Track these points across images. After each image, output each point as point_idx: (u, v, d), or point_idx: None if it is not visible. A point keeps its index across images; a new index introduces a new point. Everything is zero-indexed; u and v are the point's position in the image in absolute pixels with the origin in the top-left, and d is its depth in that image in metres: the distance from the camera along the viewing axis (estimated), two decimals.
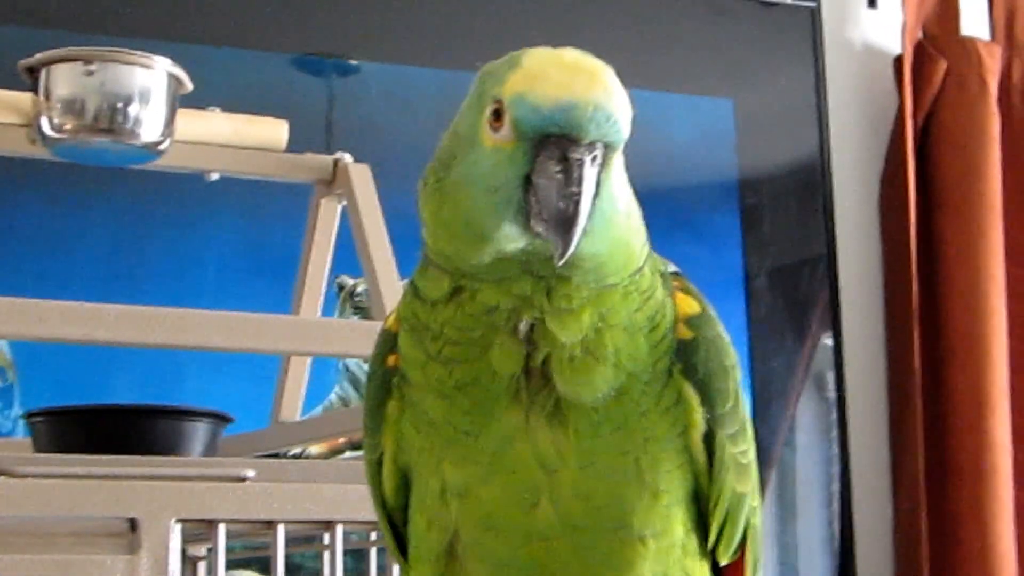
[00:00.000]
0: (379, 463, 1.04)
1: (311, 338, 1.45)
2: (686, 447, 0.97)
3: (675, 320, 0.97)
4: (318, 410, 2.60)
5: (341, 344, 1.47)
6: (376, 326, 1.57)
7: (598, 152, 0.87)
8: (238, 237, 2.63)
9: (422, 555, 1.00)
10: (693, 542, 0.99)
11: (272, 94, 2.70)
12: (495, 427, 0.94)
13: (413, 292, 0.97)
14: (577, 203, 0.86)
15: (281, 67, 2.75)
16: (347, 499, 1.38)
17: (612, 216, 0.91)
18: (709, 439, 0.98)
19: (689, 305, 0.98)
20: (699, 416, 0.97)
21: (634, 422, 0.95)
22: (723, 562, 1.02)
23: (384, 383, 1.01)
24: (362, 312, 2.62)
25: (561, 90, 0.87)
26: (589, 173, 0.87)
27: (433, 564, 0.99)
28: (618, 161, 0.92)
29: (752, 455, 1.02)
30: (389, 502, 1.05)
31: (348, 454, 2.51)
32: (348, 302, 2.64)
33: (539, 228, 0.87)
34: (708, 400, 0.97)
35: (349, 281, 2.61)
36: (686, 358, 0.96)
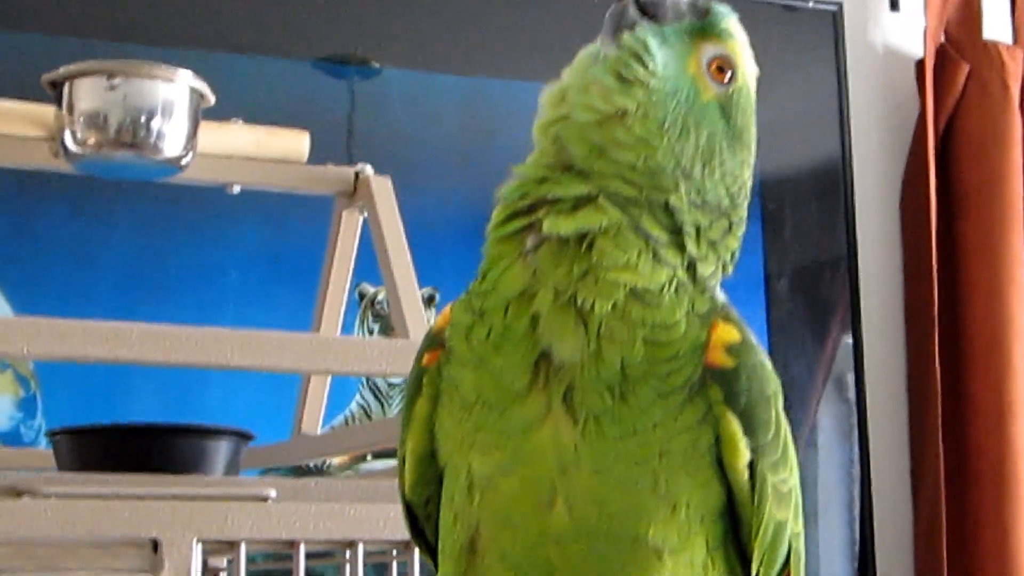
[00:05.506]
0: (404, 457, 1.05)
1: (331, 357, 1.45)
2: (712, 466, 0.96)
3: (704, 346, 0.96)
4: (339, 419, 2.60)
5: (361, 363, 1.48)
6: (395, 344, 1.58)
7: None
8: (261, 243, 2.63)
9: (447, 551, 1.00)
10: (720, 563, 0.98)
11: (293, 98, 2.71)
12: (520, 407, 0.95)
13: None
14: None
15: (302, 72, 2.76)
16: (369, 518, 1.38)
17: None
18: (751, 468, 0.97)
19: (729, 333, 0.97)
20: (743, 445, 0.96)
21: (646, 432, 0.94)
22: None
23: (416, 380, 1.03)
24: (382, 320, 2.62)
25: None
26: None
27: (455, 561, 0.99)
28: None
29: (793, 482, 1.01)
30: (408, 494, 1.06)
31: (368, 464, 2.52)
32: (369, 310, 2.65)
33: None
34: (750, 429, 0.96)
35: (370, 289, 2.62)
36: (727, 387, 0.96)
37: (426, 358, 1.02)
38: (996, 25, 3.22)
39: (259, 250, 2.63)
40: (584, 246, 0.94)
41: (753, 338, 0.99)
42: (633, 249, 0.95)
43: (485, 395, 0.96)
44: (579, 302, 0.93)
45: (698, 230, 0.98)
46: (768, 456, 0.97)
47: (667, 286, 0.96)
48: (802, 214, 3.14)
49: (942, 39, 3.17)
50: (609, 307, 0.94)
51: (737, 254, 1.01)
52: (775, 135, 3.10)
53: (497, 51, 2.89)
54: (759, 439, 0.97)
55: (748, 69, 1.02)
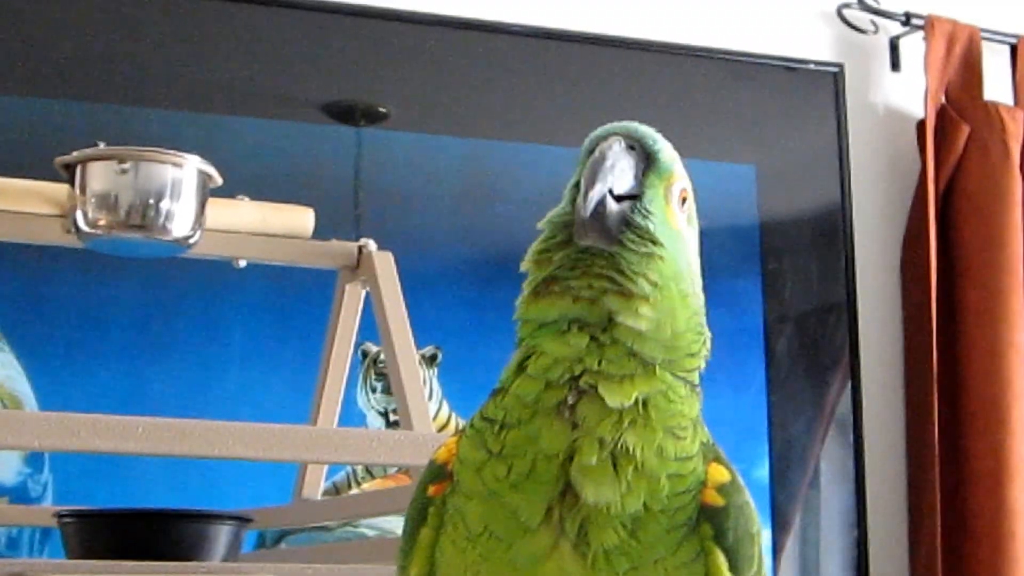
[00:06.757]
0: None
1: (331, 449, 1.48)
2: None
3: (703, 484, 1.00)
4: (340, 476, 2.64)
5: (360, 454, 1.51)
6: (394, 435, 1.62)
7: None
8: (266, 302, 2.67)
9: None
10: None
11: (297, 155, 2.75)
12: (528, 541, 0.98)
13: (479, 415, 1.02)
14: None
15: (307, 131, 2.80)
16: None
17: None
18: None
19: (720, 473, 1.02)
20: None
21: (647, 567, 0.98)
22: None
23: (421, 510, 1.05)
24: (384, 379, 2.66)
25: None
26: None
27: None
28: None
29: None
30: None
31: (368, 520, 2.54)
32: (372, 368, 2.68)
33: None
34: (735, 565, 1.01)
35: (373, 348, 2.65)
36: (717, 524, 1.00)
37: (431, 489, 1.04)
38: (997, 86, 3.26)
39: (264, 309, 2.67)
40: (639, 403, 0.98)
41: (739, 477, 1.04)
42: (683, 398, 1.00)
43: (493, 527, 0.99)
44: (628, 449, 0.96)
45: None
46: None
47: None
48: (803, 275, 3.16)
49: (943, 100, 3.20)
50: (653, 448, 0.97)
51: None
52: (775, 197, 3.13)
53: (499, 114, 2.93)
54: (742, 573, 1.01)
55: (685, 175, 1.04)
